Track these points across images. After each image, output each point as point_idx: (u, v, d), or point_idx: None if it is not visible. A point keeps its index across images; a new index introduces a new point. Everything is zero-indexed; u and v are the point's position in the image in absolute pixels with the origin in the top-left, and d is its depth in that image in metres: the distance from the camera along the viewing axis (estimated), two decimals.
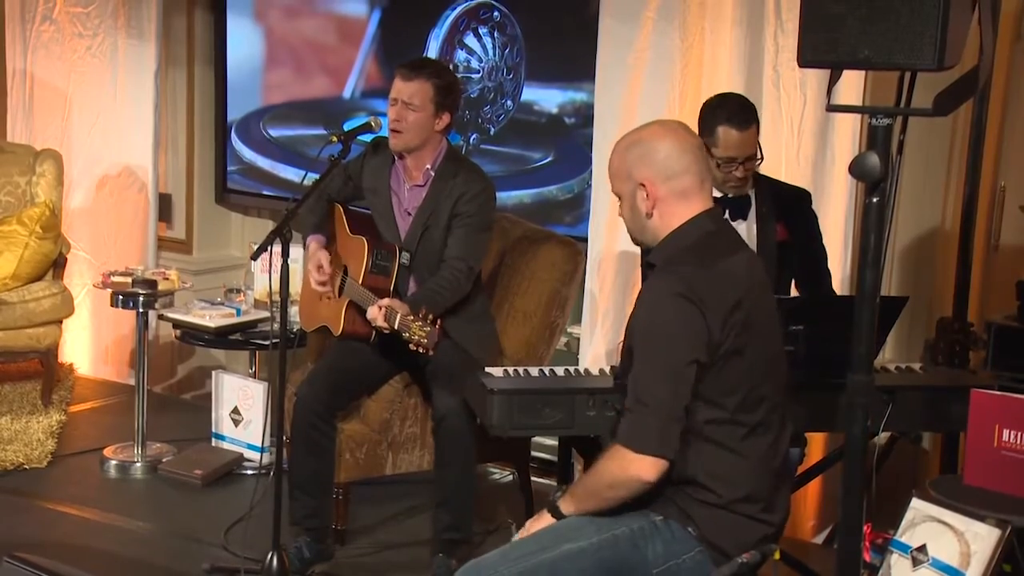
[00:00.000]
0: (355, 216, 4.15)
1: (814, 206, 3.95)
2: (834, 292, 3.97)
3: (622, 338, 2.89)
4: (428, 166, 3.98)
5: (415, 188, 4.02)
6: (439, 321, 3.59)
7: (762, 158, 3.71)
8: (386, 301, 3.72)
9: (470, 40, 5.28)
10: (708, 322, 2.58)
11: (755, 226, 3.75)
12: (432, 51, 5.35)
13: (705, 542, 2.67)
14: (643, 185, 2.71)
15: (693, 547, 2.67)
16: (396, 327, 3.62)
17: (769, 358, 2.71)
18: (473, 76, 5.30)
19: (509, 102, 5.26)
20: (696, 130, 3.70)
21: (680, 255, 2.68)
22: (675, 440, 2.57)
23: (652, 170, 2.70)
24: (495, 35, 5.24)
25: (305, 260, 4.14)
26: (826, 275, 3.91)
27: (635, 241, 2.84)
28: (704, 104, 3.75)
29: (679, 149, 2.71)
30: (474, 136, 5.34)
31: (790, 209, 3.82)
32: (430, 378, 3.97)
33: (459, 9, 5.30)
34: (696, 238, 2.70)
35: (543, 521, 2.78)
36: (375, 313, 3.70)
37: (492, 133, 5.32)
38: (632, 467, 2.58)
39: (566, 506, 2.75)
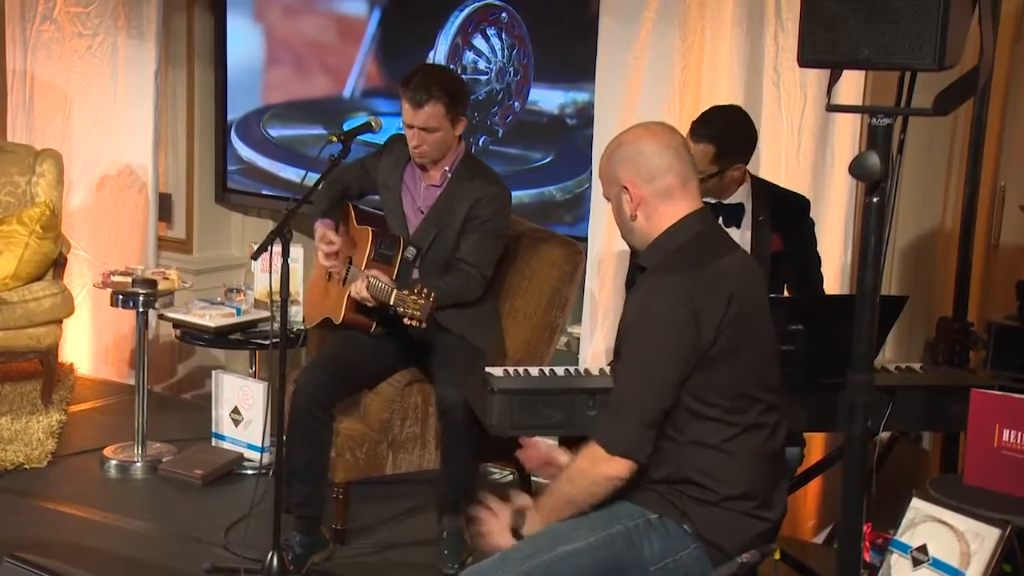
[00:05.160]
0: (363, 212, 4.18)
1: (813, 210, 3.95)
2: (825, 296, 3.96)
3: None
4: (447, 168, 4.01)
5: (431, 188, 4.04)
6: (433, 296, 3.60)
7: (720, 174, 3.63)
8: (373, 271, 3.74)
9: (478, 42, 5.27)
10: (700, 327, 2.59)
11: (749, 234, 3.74)
12: (440, 52, 5.33)
13: (701, 539, 2.67)
14: (625, 188, 2.72)
15: (689, 544, 2.68)
16: (391, 302, 3.63)
17: (762, 358, 2.71)
18: (481, 78, 5.29)
19: (517, 103, 5.25)
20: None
21: (672, 257, 2.68)
22: (648, 444, 2.60)
23: (633, 172, 2.71)
24: (503, 36, 5.24)
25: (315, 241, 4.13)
26: (818, 281, 3.90)
27: (628, 244, 2.85)
28: None
29: (659, 149, 2.71)
30: (483, 138, 5.33)
31: (788, 219, 3.80)
32: (435, 370, 3.97)
33: (468, 10, 5.29)
34: (687, 240, 2.70)
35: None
36: (360, 286, 3.72)
37: (501, 135, 5.31)
38: (603, 465, 2.62)
39: (534, 520, 2.73)
